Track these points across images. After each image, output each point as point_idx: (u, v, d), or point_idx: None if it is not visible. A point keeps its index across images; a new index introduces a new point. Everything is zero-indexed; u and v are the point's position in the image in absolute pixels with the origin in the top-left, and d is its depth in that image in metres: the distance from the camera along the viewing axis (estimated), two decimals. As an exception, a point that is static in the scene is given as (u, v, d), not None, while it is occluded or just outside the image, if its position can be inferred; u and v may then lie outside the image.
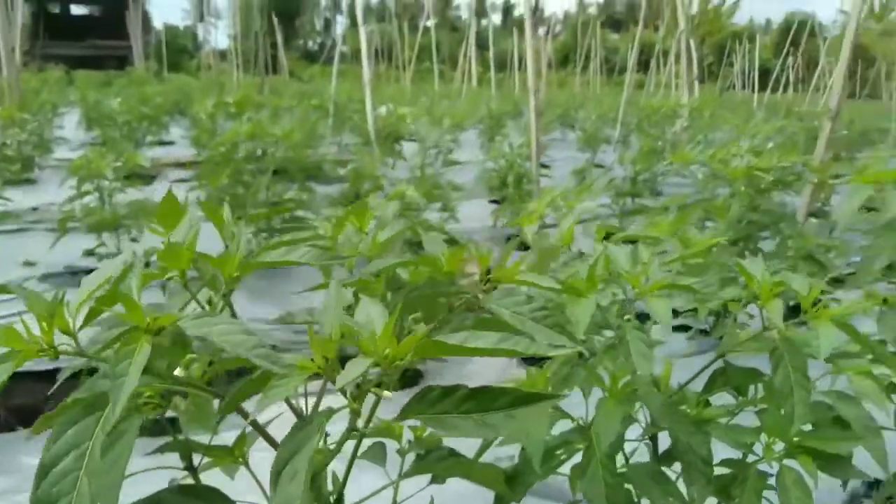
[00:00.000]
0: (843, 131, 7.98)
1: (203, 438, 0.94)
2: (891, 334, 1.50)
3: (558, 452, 1.20)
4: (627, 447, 1.22)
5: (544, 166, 8.43)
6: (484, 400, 0.65)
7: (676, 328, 2.93)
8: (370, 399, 0.70)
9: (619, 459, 1.25)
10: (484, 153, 8.14)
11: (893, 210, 1.33)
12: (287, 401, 0.69)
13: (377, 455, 1.12)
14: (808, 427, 1.21)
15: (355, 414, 0.67)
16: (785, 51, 19.56)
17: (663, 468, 1.22)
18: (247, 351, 0.59)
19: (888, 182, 1.65)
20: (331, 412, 0.65)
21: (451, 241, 2.87)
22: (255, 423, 0.75)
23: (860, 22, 3.45)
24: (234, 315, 0.90)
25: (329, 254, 0.76)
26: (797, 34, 20.11)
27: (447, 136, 7.60)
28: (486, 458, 1.17)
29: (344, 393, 0.65)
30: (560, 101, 13.41)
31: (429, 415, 0.65)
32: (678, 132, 8.30)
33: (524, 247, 1.79)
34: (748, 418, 1.24)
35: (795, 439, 1.14)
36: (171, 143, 9.30)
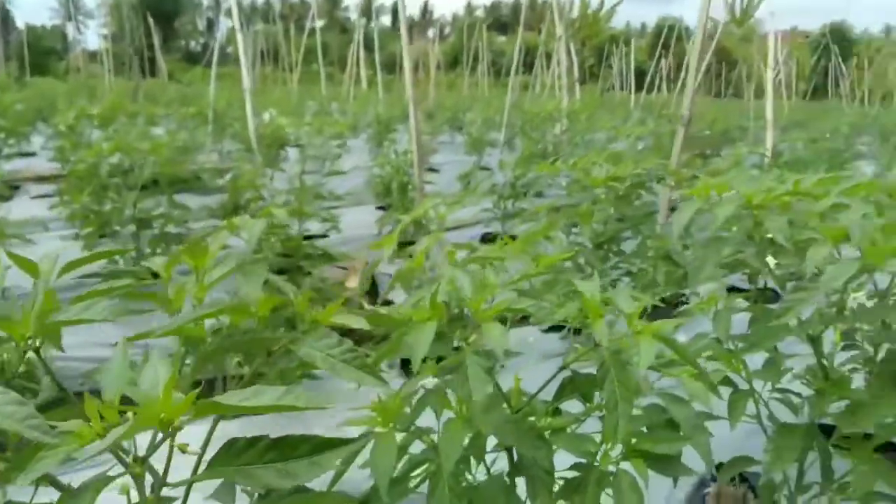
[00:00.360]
0: (707, 131, 8.59)
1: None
2: (723, 332, 1.63)
3: (414, 474, 1.22)
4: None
5: (433, 170, 8.53)
6: (286, 449, 0.65)
7: (551, 328, 3.05)
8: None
9: (482, 472, 1.30)
10: (372, 158, 8.13)
11: (717, 224, 1.45)
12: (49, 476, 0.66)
13: (226, 495, 1.09)
14: (644, 429, 1.31)
15: (139, 478, 0.65)
16: (657, 53, 20.75)
17: (519, 478, 1.27)
18: (17, 423, 0.56)
19: (723, 192, 1.79)
20: (107, 479, 0.63)
21: (326, 256, 2.83)
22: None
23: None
24: (47, 370, 0.86)
25: (131, 308, 0.73)
26: (668, 38, 21.39)
27: (333, 142, 7.52)
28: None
29: (122, 460, 0.63)
30: (448, 103, 13.57)
31: (234, 467, 0.64)
32: (559, 135, 8.63)
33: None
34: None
35: (633, 441, 1.23)
36: (32, 154, 8.62)
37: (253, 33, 22.71)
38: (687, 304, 2.09)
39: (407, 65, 4.15)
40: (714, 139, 8.47)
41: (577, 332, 2.91)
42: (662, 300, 2.07)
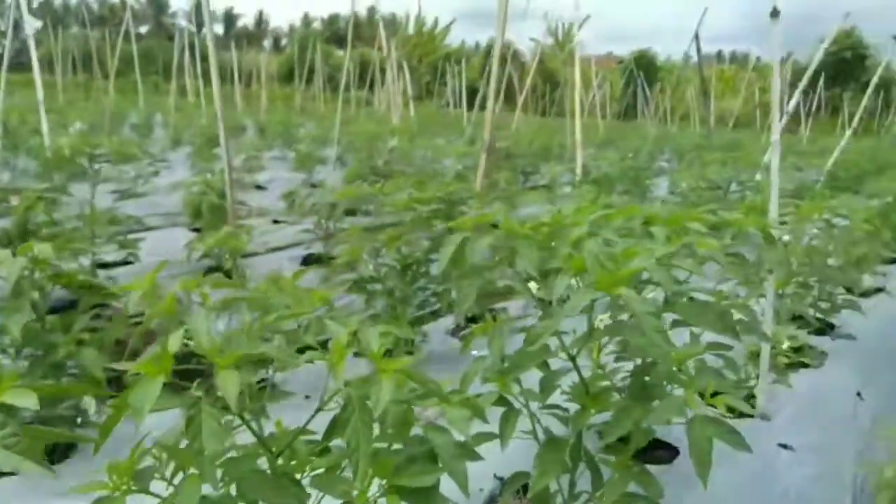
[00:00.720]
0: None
1: None
2: (497, 354, 1.70)
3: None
4: None
5: (260, 188, 8.25)
6: None
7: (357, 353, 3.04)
8: None
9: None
10: (195, 175, 7.70)
11: (476, 257, 1.51)
12: None
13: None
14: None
15: None
16: (486, 72, 21.71)
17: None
18: None
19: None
20: None
21: (88, 288, 2.60)
22: None
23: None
24: None
25: None
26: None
27: (144, 160, 7.03)
28: None
29: None
30: (281, 118, 13.24)
31: None
32: (391, 151, 8.73)
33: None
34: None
35: (390, 477, 1.24)
36: None
37: (63, 37, 20.75)
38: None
39: (214, 75, 3.96)
40: (535, 156, 8.99)
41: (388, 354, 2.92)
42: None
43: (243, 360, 1.05)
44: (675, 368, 1.55)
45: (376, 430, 1.31)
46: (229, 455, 1.24)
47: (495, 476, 2.17)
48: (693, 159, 7.85)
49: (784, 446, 2.45)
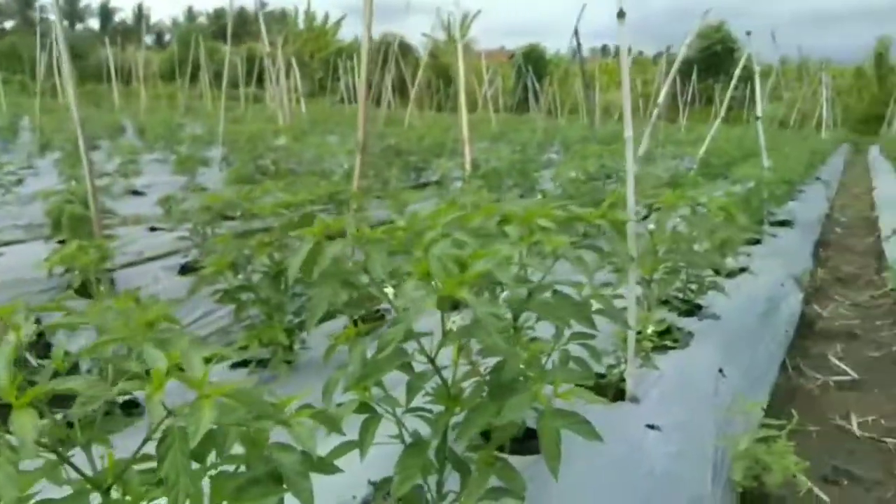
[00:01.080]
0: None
1: None
2: (358, 364, 1.68)
3: None
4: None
5: (138, 193, 7.82)
6: None
7: (236, 364, 2.93)
8: None
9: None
10: (63, 182, 7.18)
11: (326, 263, 1.48)
12: None
13: None
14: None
15: None
16: (381, 67, 21.57)
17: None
18: None
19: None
20: None
21: None
22: None
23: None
24: None
25: None
26: (389, 53, 22.36)
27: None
28: None
29: None
30: (160, 118, 12.59)
31: None
32: (278, 150, 8.49)
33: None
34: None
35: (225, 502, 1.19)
36: None
37: None
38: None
39: (66, 68, 3.67)
40: (424, 152, 9.02)
41: (263, 364, 2.84)
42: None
43: (44, 397, 0.97)
44: (526, 364, 1.58)
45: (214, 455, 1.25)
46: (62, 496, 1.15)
47: (369, 482, 2.14)
48: (577, 151, 8.12)
49: (652, 427, 2.56)
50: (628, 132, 2.40)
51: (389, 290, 1.65)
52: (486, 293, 1.74)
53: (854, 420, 3.47)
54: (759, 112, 6.94)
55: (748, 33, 6.93)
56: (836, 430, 3.40)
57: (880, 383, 3.96)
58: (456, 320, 1.57)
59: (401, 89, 22.60)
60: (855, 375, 4.05)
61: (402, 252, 1.65)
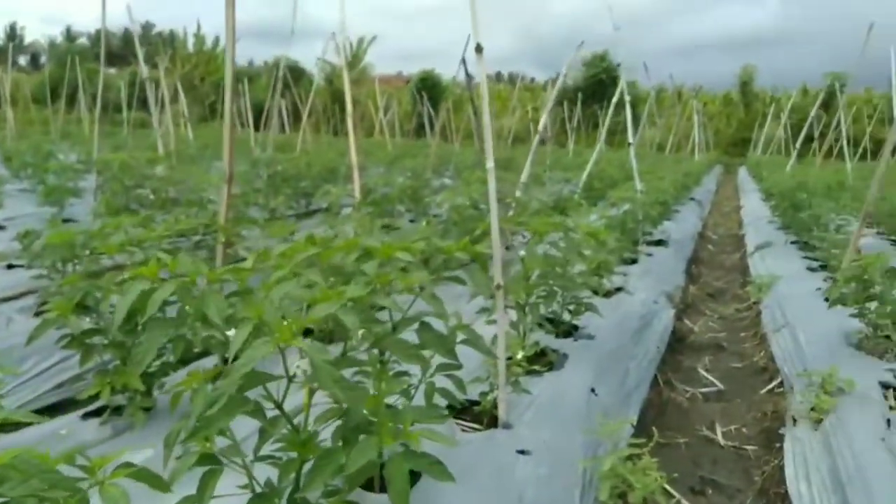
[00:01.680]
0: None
1: None
2: (197, 409, 1.59)
3: None
4: None
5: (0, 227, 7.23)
6: None
7: (89, 413, 2.73)
8: None
9: None
10: None
11: (155, 308, 1.40)
12: None
13: None
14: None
15: None
16: (272, 92, 21.20)
17: None
18: None
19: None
20: None
21: None
22: None
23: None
24: None
25: None
26: (286, 77, 22.00)
27: None
28: None
29: None
30: (30, 144, 11.72)
31: None
32: (158, 179, 8.10)
33: None
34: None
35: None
36: None
37: None
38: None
39: None
40: (316, 177, 8.89)
41: (118, 412, 2.66)
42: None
43: None
44: (377, 405, 1.56)
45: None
46: None
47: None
48: (465, 177, 8.26)
49: (522, 452, 2.60)
50: (490, 163, 2.46)
51: (231, 334, 1.58)
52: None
53: (719, 430, 3.67)
54: (630, 139, 7.33)
55: (618, 64, 7.34)
56: (703, 440, 3.58)
57: (741, 393, 4.22)
58: (300, 364, 1.52)
59: (295, 114, 22.26)
60: (721, 386, 4.30)
61: (246, 293, 1.59)
